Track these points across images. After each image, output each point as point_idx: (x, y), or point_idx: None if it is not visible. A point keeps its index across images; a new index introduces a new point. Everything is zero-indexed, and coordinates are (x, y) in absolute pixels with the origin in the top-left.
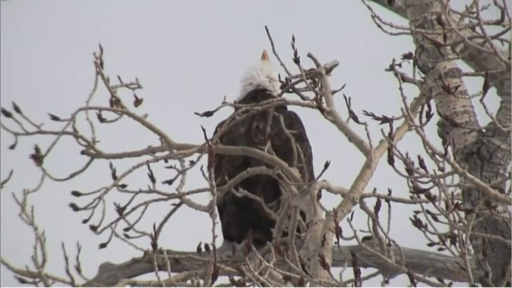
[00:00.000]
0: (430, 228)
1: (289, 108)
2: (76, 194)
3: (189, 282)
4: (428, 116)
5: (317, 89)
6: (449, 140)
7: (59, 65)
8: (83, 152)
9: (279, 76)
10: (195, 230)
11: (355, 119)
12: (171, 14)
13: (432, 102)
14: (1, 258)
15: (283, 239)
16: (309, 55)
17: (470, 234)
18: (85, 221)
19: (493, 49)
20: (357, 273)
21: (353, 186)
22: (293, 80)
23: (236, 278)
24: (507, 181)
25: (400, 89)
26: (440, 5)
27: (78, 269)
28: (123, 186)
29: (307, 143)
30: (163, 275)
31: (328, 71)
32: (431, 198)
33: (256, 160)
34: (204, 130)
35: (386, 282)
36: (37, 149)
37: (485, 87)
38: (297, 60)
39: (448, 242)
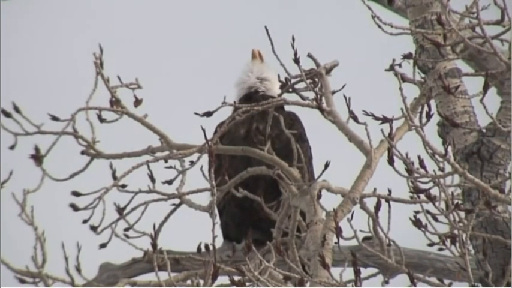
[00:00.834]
0: (430, 228)
1: (289, 108)
2: (76, 194)
3: (189, 282)
4: (428, 116)
5: (317, 89)
6: (449, 140)
7: (59, 65)
8: (83, 152)
9: (279, 76)
10: (195, 230)
11: (355, 119)
12: (171, 14)
13: (432, 102)
14: (1, 258)
15: (283, 239)
16: (309, 55)
17: (470, 234)
18: (85, 221)
19: (493, 49)
20: (357, 273)
21: (353, 186)
22: (293, 80)
23: (236, 278)
24: (507, 181)
25: (400, 89)
26: (440, 5)
27: (78, 269)
28: (123, 186)
29: (308, 144)
30: (163, 275)
31: (328, 71)
32: (431, 198)
33: (256, 160)
34: (204, 130)
35: (387, 282)
36: (37, 149)
37: (485, 87)
38: (296, 60)
39: (448, 242)
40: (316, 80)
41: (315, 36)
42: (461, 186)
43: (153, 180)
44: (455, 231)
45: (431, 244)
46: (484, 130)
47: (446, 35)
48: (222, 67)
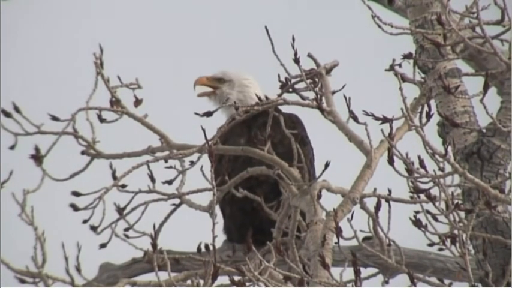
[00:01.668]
0: (430, 228)
1: (289, 109)
2: (76, 194)
3: (189, 282)
4: (428, 116)
5: (317, 89)
6: (449, 140)
7: (59, 65)
8: (83, 152)
9: (279, 76)
10: (195, 230)
11: (355, 119)
12: (171, 14)
13: (432, 102)
14: (1, 258)
15: (283, 239)
16: (309, 55)
17: (470, 234)
18: (85, 221)
19: (493, 49)
20: (357, 273)
21: (353, 186)
22: (293, 80)
23: (236, 278)
24: (507, 181)
25: (400, 89)
26: (440, 5)
27: (78, 269)
28: (123, 186)
29: (309, 146)
30: (163, 275)
31: (328, 71)
32: (431, 198)
33: (256, 162)
34: (204, 130)
35: (387, 282)
36: (37, 149)
37: (485, 87)
38: (296, 60)
39: (448, 242)
40: (316, 80)
41: (315, 36)
42: (461, 186)
43: (153, 180)
44: (455, 231)
45: (431, 244)
46: (484, 130)
47: (446, 35)
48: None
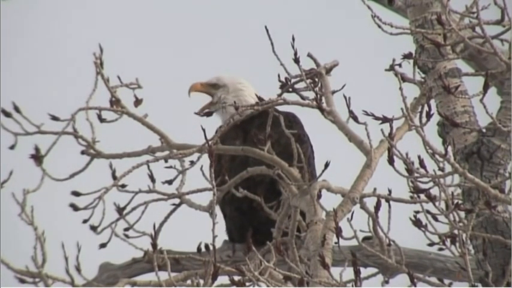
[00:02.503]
0: (430, 228)
1: (289, 108)
2: (76, 194)
3: (189, 282)
4: (428, 116)
5: (317, 89)
6: (449, 140)
7: (59, 65)
8: (83, 152)
9: (279, 76)
10: (195, 230)
11: (355, 119)
12: (171, 14)
13: (432, 102)
14: (1, 258)
15: (283, 239)
16: (309, 55)
17: (470, 234)
18: (85, 221)
19: (493, 49)
20: (357, 273)
21: (353, 186)
22: (293, 80)
23: (236, 278)
24: (507, 181)
25: (400, 89)
26: (440, 5)
27: (78, 269)
28: (123, 186)
29: (307, 144)
30: (163, 275)
31: (328, 71)
32: (431, 198)
33: (256, 162)
34: (204, 130)
35: (387, 282)
36: (37, 149)
37: (485, 87)
38: (296, 60)
39: (448, 242)
40: (316, 80)
41: (315, 36)
42: (461, 186)
43: (153, 180)
44: (455, 231)
45: (431, 244)
46: (484, 130)
47: (446, 35)
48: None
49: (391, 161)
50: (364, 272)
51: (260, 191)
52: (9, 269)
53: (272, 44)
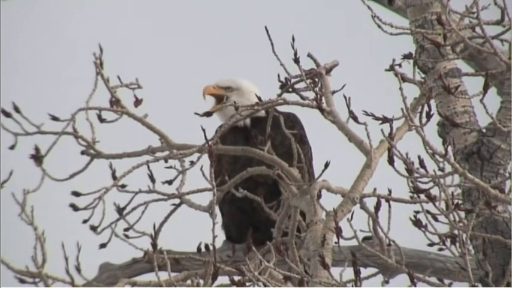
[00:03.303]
0: (430, 228)
1: (289, 108)
2: (76, 194)
3: (189, 282)
4: (428, 116)
5: (317, 89)
6: (449, 140)
7: (59, 65)
8: (83, 152)
9: (279, 76)
10: (195, 230)
11: (355, 119)
12: (171, 14)
13: (432, 102)
14: (1, 258)
15: (283, 239)
16: (309, 55)
17: (470, 234)
18: (85, 221)
19: (493, 49)
20: (357, 273)
21: (353, 186)
22: (293, 80)
23: (236, 278)
24: (507, 181)
25: (400, 89)
26: (440, 5)
27: (78, 269)
28: (123, 186)
29: (308, 145)
30: (163, 275)
31: (328, 71)
32: (431, 198)
33: (257, 162)
34: (204, 130)
35: (387, 282)
36: (37, 149)
37: (485, 87)
38: (296, 60)
39: (448, 242)
40: (316, 80)
41: (315, 36)
42: (461, 186)
43: (153, 180)
44: (455, 231)
45: (431, 244)
46: (484, 130)
47: (446, 35)
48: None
49: (391, 161)
50: (364, 272)
51: (262, 191)
52: (9, 269)
53: (272, 44)
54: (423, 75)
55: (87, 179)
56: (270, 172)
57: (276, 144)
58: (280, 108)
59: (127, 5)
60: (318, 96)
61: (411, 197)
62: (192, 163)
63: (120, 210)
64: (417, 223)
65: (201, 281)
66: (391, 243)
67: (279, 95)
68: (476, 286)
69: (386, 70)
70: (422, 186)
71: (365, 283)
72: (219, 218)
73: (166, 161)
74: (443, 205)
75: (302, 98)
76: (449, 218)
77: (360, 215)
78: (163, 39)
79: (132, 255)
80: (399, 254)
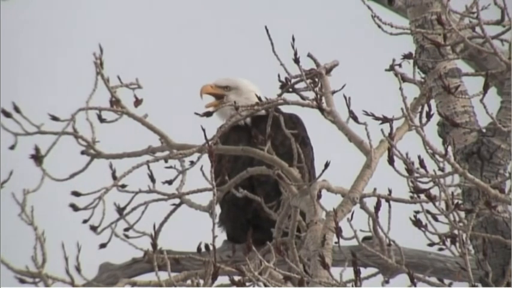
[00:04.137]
0: (430, 228)
1: (289, 109)
2: (76, 194)
3: (189, 282)
4: (428, 116)
5: (317, 89)
6: (449, 140)
7: (59, 65)
8: (83, 152)
9: (279, 76)
10: (195, 230)
11: (355, 119)
12: (171, 15)
13: (432, 102)
14: (1, 258)
15: (283, 239)
16: (309, 55)
17: (470, 234)
18: (85, 221)
19: (493, 49)
20: (357, 273)
21: (353, 186)
22: (293, 80)
23: (236, 278)
24: (507, 181)
25: (400, 89)
26: (440, 5)
27: (78, 269)
28: (123, 186)
29: (310, 147)
30: (163, 275)
31: (328, 71)
32: (431, 198)
33: (257, 162)
34: (204, 130)
35: (387, 282)
36: (37, 149)
37: (485, 87)
38: (297, 60)
39: (448, 242)
40: (316, 80)
41: (315, 36)
42: (461, 186)
43: (153, 180)
44: (455, 231)
45: (431, 244)
46: (484, 130)
47: (446, 35)
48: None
49: (391, 161)
50: (364, 272)
51: (263, 191)
52: (9, 269)
53: (272, 44)
54: (423, 75)
55: (87, 179)
56: (270, 172)
57: (276, 144)
58: (283, 109)
59: (127, 5)
60: (318, 96)
61: (411, 197)
62: (192, 163)
63: (120, 210)
64: (417, 223)
65: (201, 281)
66: (391, 243)
67: (279, 95)
68: (476, 286)
69: (386, 70)
70: (422, 186)
71: (365, 283)
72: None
73: (166, 161)
74: (443, 205)
75: (302, 98)
76: (449, 218)
77: (360, 215)
78: (163, 39)
79: (132, 255)
80: (399, 254)
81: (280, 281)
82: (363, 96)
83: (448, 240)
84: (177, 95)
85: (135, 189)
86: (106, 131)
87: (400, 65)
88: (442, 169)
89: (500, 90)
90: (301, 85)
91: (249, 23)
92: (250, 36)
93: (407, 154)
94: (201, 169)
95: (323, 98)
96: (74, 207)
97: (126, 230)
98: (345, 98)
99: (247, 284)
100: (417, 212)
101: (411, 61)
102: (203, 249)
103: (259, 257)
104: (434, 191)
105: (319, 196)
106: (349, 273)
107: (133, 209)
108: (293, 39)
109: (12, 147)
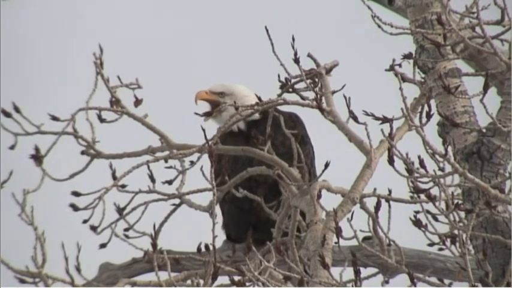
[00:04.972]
0: (430, 228)
1: (290, 108)
2: (76, 194)
3: (189, 282)
4: (428, 116)
5: (317, 89)
6: (449, 140)
7: (59, 65)
8: (83, 152)
9: (279, 76)
10: (195, 230)
11: (355, 119)
12: (171, 14)
13: (432, 102)
14: (1, 258)
15: (283, 239)
16: (309, 55)
17: (470, 234)
18: (85, 221)
19: (493, 49)
20: (357, 273)
21: (353, 186)
22: (293, 80)
23: (236, 278)
24: (507, 181)
25: (400, 89)
26: (440, 5)
27: (78, 269)
28: (123, 186)
29: (309, 146)
30: (163, 275)
31: (328, 71)
32: (431, 198)
33: (257, 162)
34: (204, 130)
35: (387, 282)
36: (37, 149)
37: (485, 87)
38: (296, 60)
39: (448, 242)
40: (316, 80)
41: (315, 36)
42: (461, 186)
43: (153, 180)
44: (455, 231)
45: (431, 244)
46: (484, 130)
47: (446, 35)
48: (222, 67)
49: (391, 161)
50: (364, 272)
51: (263, 191)
52: (9, 269)
53: (272, 44)
54: (423, 75)
55: (87, 179)
56: (270, 172)
57: (276, 144)
58: (282, 108)
59: (127, 5)
60: (318, 96)
61: (411, 197)
62: (192, 163)
63: (120, 210)
64: (417, 223)
65: (201, 281)
66: (391, 243)
67: (279, 95)
68: (476, 286)
69: (386, 70)
70: (422, 186)
71: (365, 283)
72: (219, 219)
73: (166, 161)
74: (443, 205)
75: (302, 98)
76: (449, 218)
77: (360, 215)
78: (163, 39)
79: (132, 255)
80: (399, 254)
81: (280, 281)
82: (363, 96)
83: (448, 240)
84: (177, 95)
85: (135, 189)
86: (106, 131)
87: (400, 65)
88: (442, 169)
89: (500, 90)
90: (301, 85)
91: (249, 23)
92: (250, 37)
93: (407, 154)
94: (201, 169)
95: (323, 98)
96: (74, 207)
97: (126, 230)
98: (345, 98)
99: (247, 284)
100: (417, 212)
101: (411, 61)
102: (203, 249)
103: (259, 257)
104: (434, 191)
105: (319, 196)
106: (349, 273)
107: (133, 209)
108: (293, 39)
109: (12, 147)
